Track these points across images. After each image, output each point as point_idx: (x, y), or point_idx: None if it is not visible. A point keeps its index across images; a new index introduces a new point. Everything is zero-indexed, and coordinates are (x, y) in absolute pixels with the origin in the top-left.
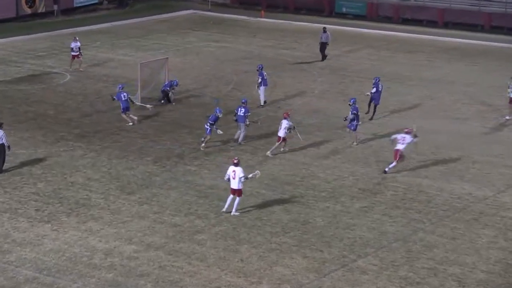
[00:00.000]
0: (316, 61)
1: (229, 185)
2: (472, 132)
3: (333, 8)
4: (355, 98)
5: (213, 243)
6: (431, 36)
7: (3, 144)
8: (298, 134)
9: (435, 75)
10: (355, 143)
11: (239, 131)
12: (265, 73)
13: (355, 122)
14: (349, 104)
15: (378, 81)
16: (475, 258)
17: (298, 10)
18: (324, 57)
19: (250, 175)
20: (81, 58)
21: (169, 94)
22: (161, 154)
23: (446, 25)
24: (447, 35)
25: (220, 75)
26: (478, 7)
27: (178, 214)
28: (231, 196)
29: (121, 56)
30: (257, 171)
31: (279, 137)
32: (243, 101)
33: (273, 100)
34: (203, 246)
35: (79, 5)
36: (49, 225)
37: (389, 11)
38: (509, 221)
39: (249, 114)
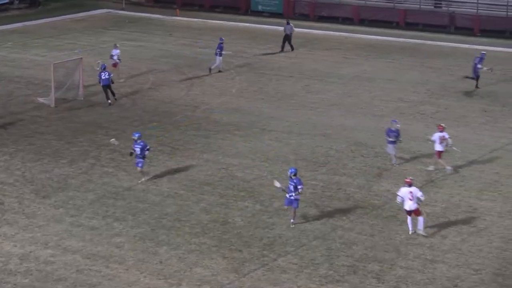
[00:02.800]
0: (234, 58)
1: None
2: None
3: (249, 6)
4: (139, 133)
5: (132, 246)
6: (348, 33)
7: None
8: (454, 147)
9: (353, 72)
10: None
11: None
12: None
13: (141, 160)
14: (133, 139)
15: (480, 57)
16: (394, 254)
17: (214, 8)
18: (291, 47)
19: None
20: (118, 67)
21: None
22: (77, 156)
23: (362, 22)
24: (363, 32)
25: (136, 74)
26: (393, 4)
27: (96, 217)
28: (410, 217)
29: (33, 56)
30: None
31: (438, 151)
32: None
33: (191, 99)
34: (121, 249)
35: None
36: None
37: (305, 9)
38: (427, 217)
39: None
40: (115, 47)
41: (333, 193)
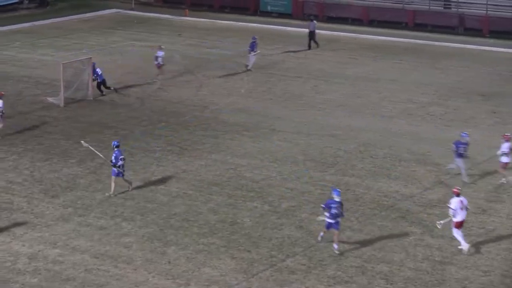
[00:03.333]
0: (242, 59)
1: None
2: (398, 130)
3: (258, 7)
4: (116, 141)
5: (140, 246)
6: (356, 34)
7: None
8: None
9: (361, 72)
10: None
11: None
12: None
13: (113, 169)
14: (114, 147)
15: None
16: (402, 255)
17: (223, 8)
18: (316, 44)
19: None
20: (162, 68)
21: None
22: (86, 155)
23: (371, 23)
24: (372, 33)
25: (145, 75)
26: (402, 5)
27: (104, 216)
28: (458, 230)
29: (41, 56)
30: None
31: (505, 163)
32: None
33: (199, 100)
34: (129, 248)
35: None
36: None
37: (314, 9)
38: (436, 218)
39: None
40: (160, 48)
41: (342, 194)
